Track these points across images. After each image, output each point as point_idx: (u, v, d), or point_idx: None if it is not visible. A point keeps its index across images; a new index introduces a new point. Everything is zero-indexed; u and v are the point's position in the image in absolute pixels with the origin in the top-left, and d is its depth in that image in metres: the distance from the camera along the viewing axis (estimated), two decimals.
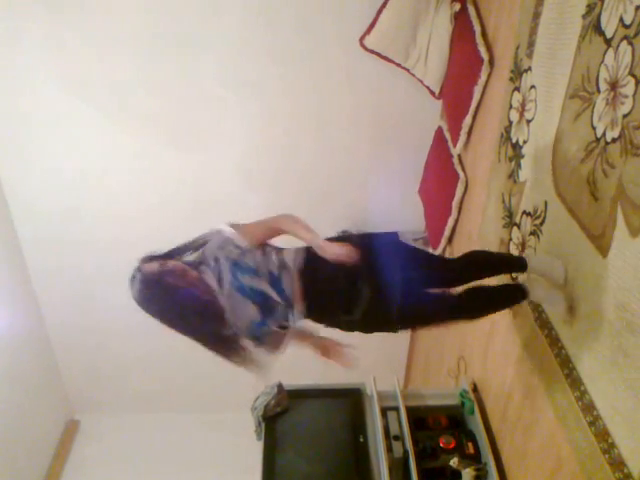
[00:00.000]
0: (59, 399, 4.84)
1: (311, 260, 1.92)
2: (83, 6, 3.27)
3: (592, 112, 1.86)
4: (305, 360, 4.79)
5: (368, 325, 2.06)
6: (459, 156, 3.33)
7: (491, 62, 2.81)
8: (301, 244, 1.95)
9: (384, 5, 3.21)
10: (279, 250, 1.97)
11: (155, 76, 3.51)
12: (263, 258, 1.90)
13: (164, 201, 3.94)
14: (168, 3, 3.31)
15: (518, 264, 2.23)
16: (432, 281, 2.10)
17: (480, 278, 2.28)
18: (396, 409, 2.88)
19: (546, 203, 2.20)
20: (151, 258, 1.81)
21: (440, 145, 3.51)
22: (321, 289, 1.94)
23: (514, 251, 2.53)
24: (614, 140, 1.73)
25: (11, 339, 4.09)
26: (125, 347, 4.60)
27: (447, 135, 3.41)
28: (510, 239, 2.56)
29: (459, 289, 2.16)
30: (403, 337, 4.70)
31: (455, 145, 3.22)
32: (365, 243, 1.96)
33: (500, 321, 2.72)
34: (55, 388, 4.77)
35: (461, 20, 3.10)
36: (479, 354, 3.02)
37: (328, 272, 1.90)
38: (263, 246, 1.95)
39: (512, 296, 2.22)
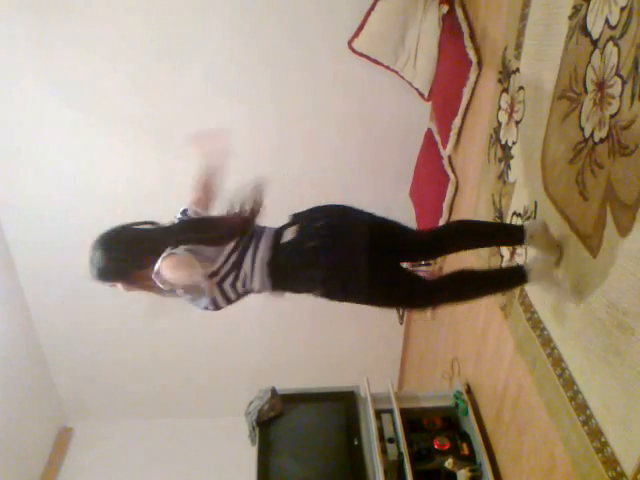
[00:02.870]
0: (52, 406, 4.82)
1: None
2: (71, 11, 3.26)
3: (580, 113, 1.87)
4: (298, 363, 4.80)
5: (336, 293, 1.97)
6: (449, 157, 3.34)
7: (479, 64, 2.82)
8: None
9: (372, 8, 3.22)
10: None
11: (144, 81, 3.51)
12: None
13: (155, 205, 3.91)
14: (156, 8, 3.30)
15: (515, 234, 2.10)
16: (405, 252, 2.06)
17: (463, 248, 2.24)
18: (390, 411, 2.88)
19: (536, 203, 2.21)
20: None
21: (430, 147, 3.52)
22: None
23: (504, 253, 2.53)
24: (602, 140, 1.74)
25: (2, 346, 4.07)
26: (118, 353, 4.59)
27: (437, 137, 3.42)
28: None
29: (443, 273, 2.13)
30: (397, 339, 4.71)
31: (445, 147, 3.23)
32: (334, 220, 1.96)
33: (492, 322, 2.73)
34: (48, 395, 4.75)
35: (449, 22, 3.10)
36: (472, 355, 3.03)
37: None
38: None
39: (508, 280, 2.13)
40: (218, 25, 3.37)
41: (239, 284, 1.92)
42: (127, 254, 1.86)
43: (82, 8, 3.26)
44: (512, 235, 2.13)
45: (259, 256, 1.91)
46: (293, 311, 4.36)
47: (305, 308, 4.45)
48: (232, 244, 1.89)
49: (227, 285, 1.91)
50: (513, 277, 2.09)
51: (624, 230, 1.64)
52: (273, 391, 2.90)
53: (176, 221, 1.99)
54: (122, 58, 3.43)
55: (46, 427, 4.76)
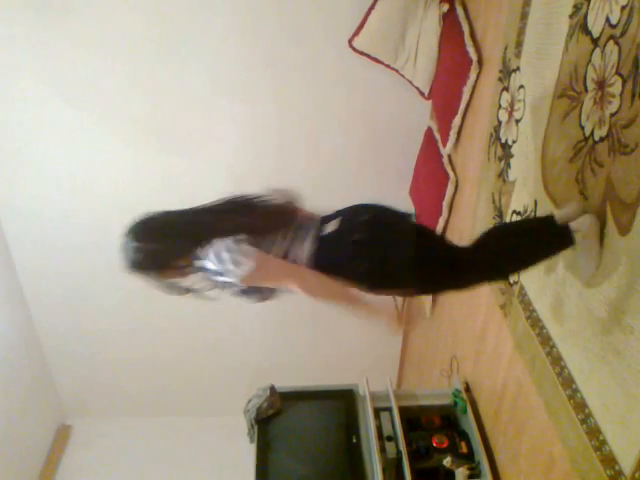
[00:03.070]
0: (51, 404, 4.82)
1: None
2: (72, 11, 3.26)
3: (580, 111, 1.87)
4: (297, 362, 4.80)
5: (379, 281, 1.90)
6: (449, 156, 3.34)
7: (480, 62, 2.82)
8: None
9: (373, 6, 3.22)
10: None
11: (146, 81, 3.51)
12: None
13: (155, 205, 3.92)
14: (158, 8, 3.30)
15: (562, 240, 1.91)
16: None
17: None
18: (389, 409, 2.88)
19: (536, 202, 2.21)
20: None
21: (430, 145, 3.52)
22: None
23: None
24: (602, 139, 1.74)
25: (2, 345, 4.07)
26: (117, 351, 4.59)
27: (437, 135, 3.42)
28: None
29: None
30: (396, 338, 4.71)
31: (445, 145, 3.23)
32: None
33: (492, 320, 2.73)
34: (47, 393, 4.75)
35: (449, 21, 3.10)
36: (471, 354, 3.03)
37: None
38: None
39: (555, 245, 1.93)
40: (218, 25, 3.36)
41: None
42: (164, 245, 1.79)
43: (82, 8, 3.26)
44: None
45: (305, 247, 1.86)
46: (293, 310, 4.36)
47: (305, 307, 4.44)
48: (279, 234, 1.84)
49: None
50: (560, 240, 1.90)
51: (623, 229, 1.64)
52: (272, 389, 2.90)
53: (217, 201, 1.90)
54: (122, 58, 3.42)
55: (45, 424, 4.75)
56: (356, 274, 1.82)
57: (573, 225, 1.82)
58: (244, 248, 1.73)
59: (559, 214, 1.93)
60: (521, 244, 1.96)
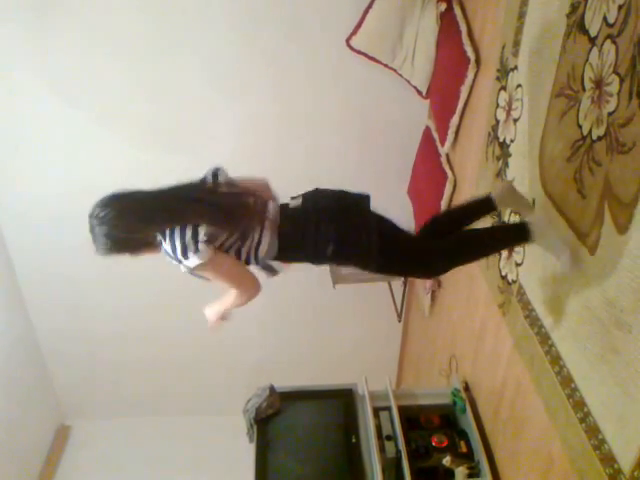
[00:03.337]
0: (50, 404, 4.82)
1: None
2: (70, 11, 3.25)
3: (578, 110, 1.87)
4: (296, 361, 4.80)
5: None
6: (447, 155, 3.34)
7: (478, 61, 2.82)
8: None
9: (370, 6, 3.22)
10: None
11: (144, 79, 3.51)
12: None
13: None
14: (156, 7, 3.30)
15: (486, 204, 2.15)
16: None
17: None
18: (388, 409, 2.88)
19: (534, 201, 2.21)
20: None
21: (428, 145, 3.52)
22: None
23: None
24: (600, 138, 1.74)
25: (1, 345, 4.07)
26: (116, 352, 4.59)
27: (435, 135, 3.42)
28: None
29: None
30: (395, 337, 4.72)
31: (443, 144, 3.23)
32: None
33: (490, 319, 2.73)
34: (46, 393, 4.75)
35: (447, 20, 3.11)
36: (470, 353, 3.03)
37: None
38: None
39: (511, 238, 2.09)
40: (217, 25, 3.36)
41: (243, 252, 1.89)
42: (130, 229, 1.86)
43: (82, 8, 3.26)
44: (485, 207, 2.19)
45: (267, 223, 1.90)
46: (292, 309, 4.36)
47: (304, 306, 4.45)
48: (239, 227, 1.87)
49: (232, 254, 1.88)
50: (516, 235, 2.05)
51: (622, 228, 1.64)
52: (271, 389, 2.90)
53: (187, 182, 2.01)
54: (122, 57, 3.42)
55: (44, 425, 4.76)
56: (321, 242, 1.88)
57: (530, 221, 2.00)
58: (199, 241, 1.76)
59: (494, 192, 2.14)
60: (476, 233, 2.17)
